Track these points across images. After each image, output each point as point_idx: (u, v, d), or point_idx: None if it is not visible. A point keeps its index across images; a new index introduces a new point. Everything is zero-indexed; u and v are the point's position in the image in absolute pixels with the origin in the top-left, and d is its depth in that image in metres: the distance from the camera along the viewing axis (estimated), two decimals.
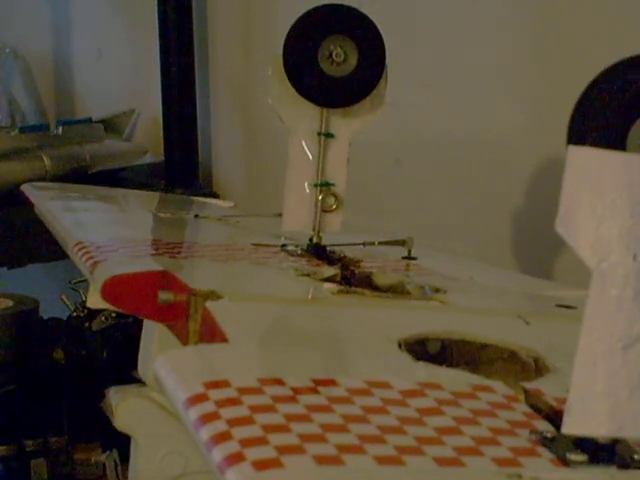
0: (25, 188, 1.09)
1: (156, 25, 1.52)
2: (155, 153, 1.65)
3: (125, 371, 0.76)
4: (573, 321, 0.37)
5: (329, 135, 0.75)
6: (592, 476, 0.34)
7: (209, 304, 0.55)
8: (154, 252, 0.73)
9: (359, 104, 0.75)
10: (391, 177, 1.24)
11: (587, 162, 0.34)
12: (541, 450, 0.36)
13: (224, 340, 0.48)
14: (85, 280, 0.69)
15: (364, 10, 0.74)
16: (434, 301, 0.62)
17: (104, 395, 0.73)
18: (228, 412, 0.37)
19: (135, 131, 1.74)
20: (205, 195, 1.42)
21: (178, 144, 1.55)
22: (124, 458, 0.82)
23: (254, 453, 0.33)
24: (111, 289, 0.61)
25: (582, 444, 0.35)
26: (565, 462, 0.35)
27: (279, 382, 0.39)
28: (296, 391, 0.39)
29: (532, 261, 1.07)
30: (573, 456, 0.35)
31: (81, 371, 0.97)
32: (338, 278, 0.68)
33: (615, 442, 0.35)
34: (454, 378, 0.43)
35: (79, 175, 1.47)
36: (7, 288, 1.17)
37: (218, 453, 0.34)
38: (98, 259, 0.66)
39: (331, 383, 0.40)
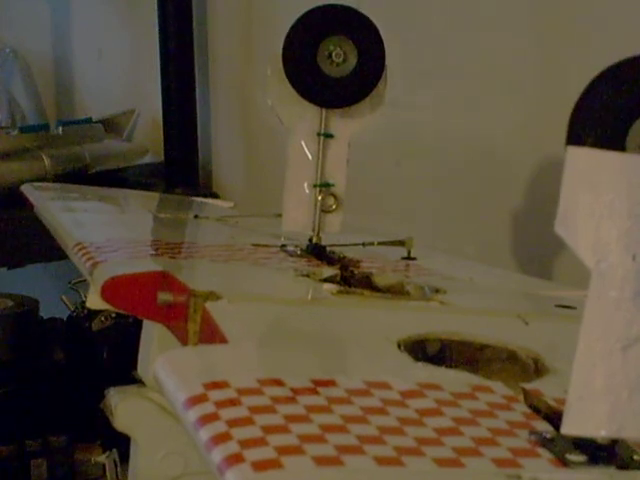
0: (25, 188, 1.09)
1: (156, 25, 1.52)
2: (155, 153, 1.65)
3: (125, 371, 0.76)
4: (573, 321, 0.37)
5: (328, 135, 0.75)
6: (592, 476, 0.34)
7: (209, 304, 0.54)
8: (154, 253, 0.73)
9: (359, 104, 0.75)
10: (391, 177, 1.24)
11: (586, 162, 0.34)
12: (540, 451, 0.36)
13: (224, 341, 0.48)
14: (85, 280, 0.69)
15: (363, 10, 0.74)
16: (434, 301, 0.62)
17: (104, 395, 0.73)
18: (228, 413, 0.37)
19: (135, 131, 1.74)
20: (205, 195, 1.42)
21: (178, 144, 1.55)
22: (124, 458, 0.82)
23: (253, 454, 0.33)
24: (111, 290, 0.61)
25: (581, 444, 0.35)
26: (564, 462, 0.35)
27: (278, 383, 0.39)
28: (295, 392, 0.39)
29: (532, 261, 1.07)
30: (572, 456, 0.35)
31: (81, 371, 0.97)
32: (338, 278, 0.68)
33: (615, 442, 0.35)
34: (454, 379, 0.43)
35: (79, 175, 1.47)
36: (7, 288, 1.16)
37: (218, 454, 0.34)
38: (98, 260, 0.66)
39: (330, 384, 0.40)
